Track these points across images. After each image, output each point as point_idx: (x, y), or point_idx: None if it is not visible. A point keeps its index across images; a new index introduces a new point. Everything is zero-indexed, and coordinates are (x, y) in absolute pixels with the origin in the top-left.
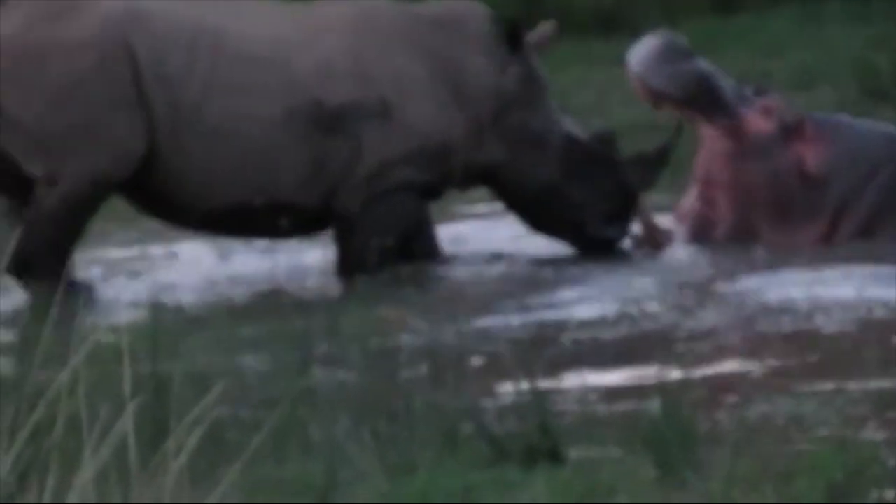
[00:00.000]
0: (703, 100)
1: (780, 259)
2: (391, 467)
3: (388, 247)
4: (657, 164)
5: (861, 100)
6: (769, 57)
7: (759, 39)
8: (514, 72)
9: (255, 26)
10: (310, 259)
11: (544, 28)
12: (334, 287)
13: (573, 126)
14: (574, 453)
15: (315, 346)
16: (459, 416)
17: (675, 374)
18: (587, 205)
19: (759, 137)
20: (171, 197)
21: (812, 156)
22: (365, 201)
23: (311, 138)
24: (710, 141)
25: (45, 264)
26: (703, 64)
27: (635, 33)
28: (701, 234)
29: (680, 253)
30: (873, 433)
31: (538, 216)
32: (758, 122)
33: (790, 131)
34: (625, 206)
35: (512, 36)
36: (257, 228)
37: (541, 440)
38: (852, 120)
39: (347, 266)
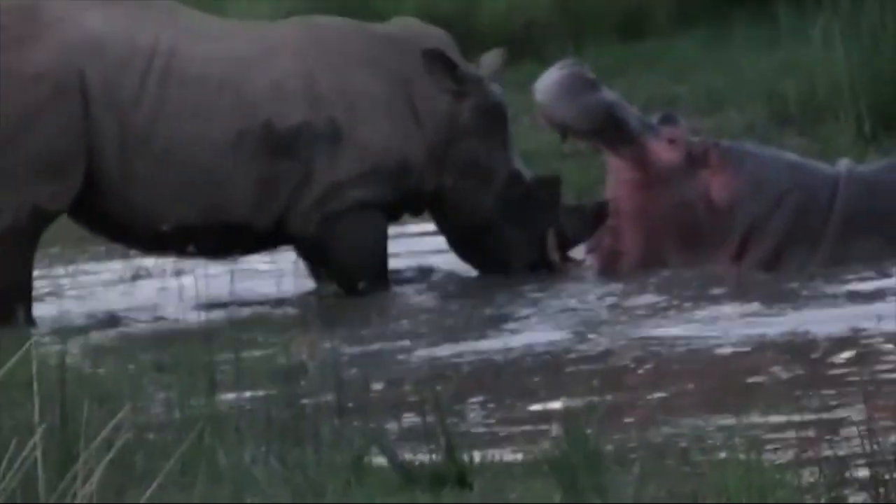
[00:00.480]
0: (609, 131)
1: (684, 290)
2: (299, 493)
3: (375, 270)
4: (595, 219)
5: (769, 125)
6: (677, 81)
7: (666, 64)
8: (470, 101)
9: (209, 47)
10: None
11: (494, 56)
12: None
13: (520, 165)
14: (481, 479)
15: (222, 371)
16: (367, 443)
17: (579, 398)
18: (516, 246)
19: (665, 167)
20: (122, 219)
21: (718, 184)
22: (319, 223)
23: (261, 160)
24: (616, 171)
25: None
26: (609, 94)
27: (543, 58)
28: (609, 266)
29: (589, 283)
30: (777, 456)
31: (467, 248)
32: (663, 152)
33: (696, 160)
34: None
35: (447, 65)
36: (210, 248)
37: (448, 466)
38: (758, 148)
39: (348, 290)
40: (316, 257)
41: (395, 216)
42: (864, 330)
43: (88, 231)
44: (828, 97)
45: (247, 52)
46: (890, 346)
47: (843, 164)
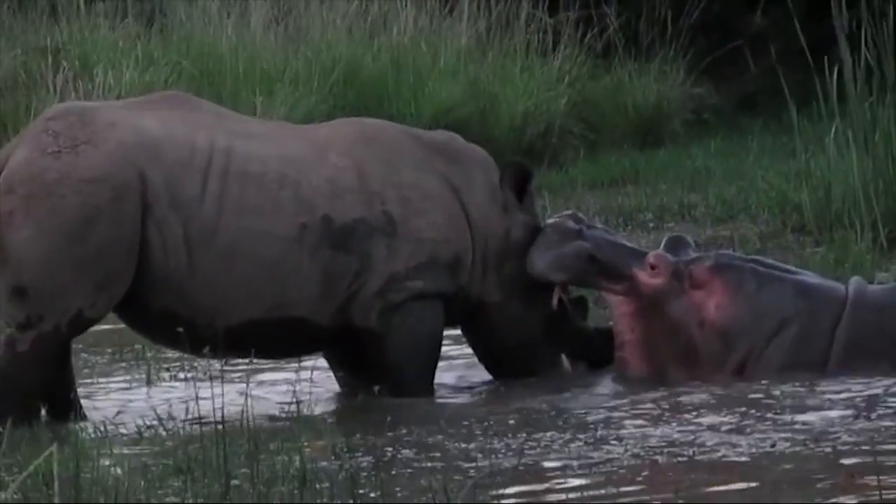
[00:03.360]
0: (593, 273)
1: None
2: None
3: (427, 363)
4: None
5: (783, 234)
6: (691, 190)
7: (681, 172)
8: (521, 218)
9: (263, 146)
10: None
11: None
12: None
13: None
14: None
15: (238, 476)
16: None
17: None
18: (544, 363)
19: (652, 293)
20: (183, 318)
21: (714, 305)
22: (380, 314)
23: (322, 254)
24: (613, 304)
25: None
26: (596, 234)
27: (560, 164)
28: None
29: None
30: None
31: (499, 363)
32: (647, 279)
33: (682, 280)
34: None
35: (520, 183)
36: (271, 347)
37: None
38: (763, 265)
39: (391, 386)
40: (372, 352)
41: (449, 313)
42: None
43: (140, 333)
44: (843, 206)
45: (298, 151)
46: None
47: (854, 283)
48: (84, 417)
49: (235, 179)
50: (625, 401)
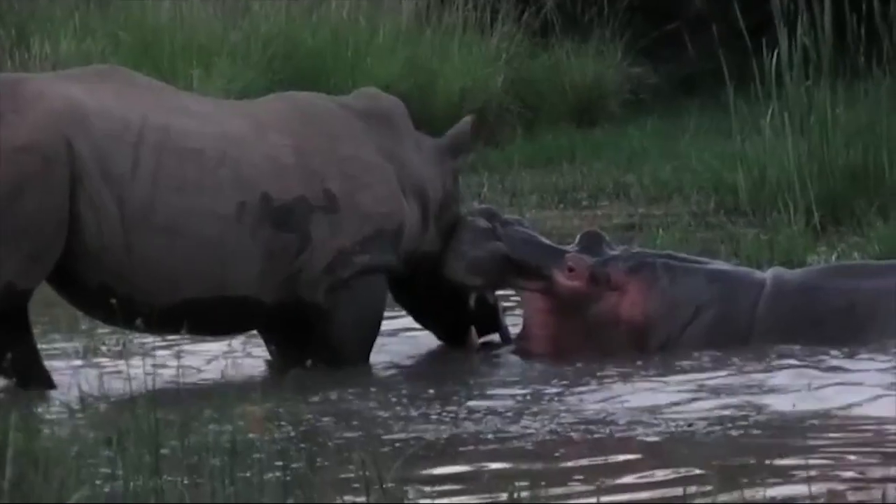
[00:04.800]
0: (508, 274)
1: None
2: None
3: (369, 336)
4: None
5: (717, 214)
6: (627, 169)
7: (617, 151)
8: (452, 168)
9: (200, 122)
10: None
11: (465, 122)
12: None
13: None
14: None
15: (168, 447)
16: None
17: (531, 476)
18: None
19: (570, 296)
20: (119, 295)
21: (627, 304)
22: (328, 290)
23: (262, 233)
24: (527, 300)
25: None
26: (510, 231)
27: (496, 142)
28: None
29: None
30: None
31: (436, 316)
32: (565, 282)
33: (600, 283)
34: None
35: (458, 137)
36: (213, 326)
37: None
38: (678, 261)
39: (330, 359)
40: (317, 326)
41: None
42: None
43: (77, 307)
44: (777, 189)
45: (236, 128)
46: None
47: (772, 271)
48: (53, 386)
49: (172, 156)
50: (548, 377)
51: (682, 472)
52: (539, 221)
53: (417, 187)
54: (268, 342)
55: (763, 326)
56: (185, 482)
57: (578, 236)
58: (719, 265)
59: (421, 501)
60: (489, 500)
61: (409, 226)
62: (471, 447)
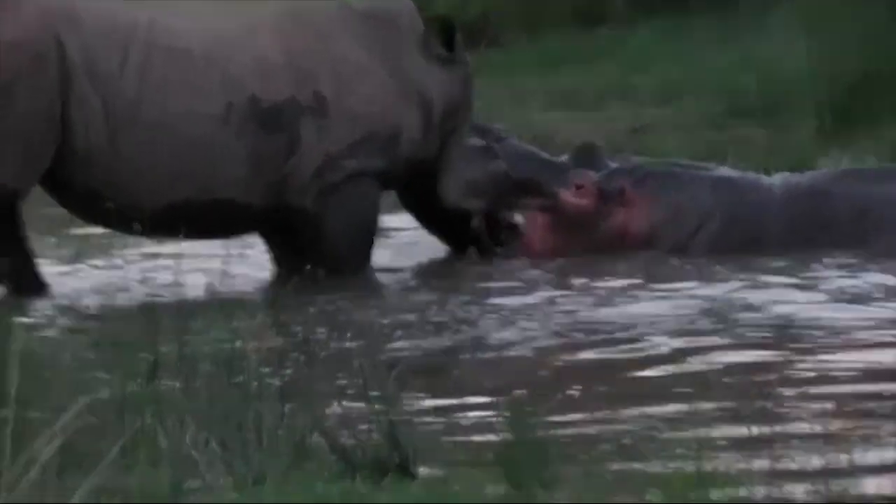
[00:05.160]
0: (508, 195)
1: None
2: (239, 478)
3: (364, 243)
4: None
5: (725, 117)
6: (633, 71)
7: (623, 53)
8: (459, 72)
9: (190, 21)
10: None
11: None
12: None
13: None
14: (424, 468)
15: (165, 353)
16: (309, 428)
17: (526, 391)
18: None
19: (576, 214)
20: (108, 198)
21: (635, 220)
22: (317, 196)
23: (249, 135)
24: (528, 218)
25: None
26: (507, 146)
27: (500, 45)
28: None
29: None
30: (725, 453)
31: (444, 223)
32: (573, 200)
33: (611, 200)
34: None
35: (447, 35)
36: (202, 229)
37: (390, 453)
38: (683, 170)
39: (327, 267)
40: (308, 232)
41: (388, 187)
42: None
43: (71, 212)
44: (788, 91)
45: (227, 29)
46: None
47: (780, 176)
48: (48, 295)
49: (160, 55)
50: (551, 285)
51: (687, 377)
52: (543, 124)
53: (420, 92)
54: (269, 248)
55: (772, 233)
56: (181, 387)
57: (575, 149)
58: (726, 171)
59: (420, 408)
60: (488, 411)
61: (409, 131)
62: (468, 355)
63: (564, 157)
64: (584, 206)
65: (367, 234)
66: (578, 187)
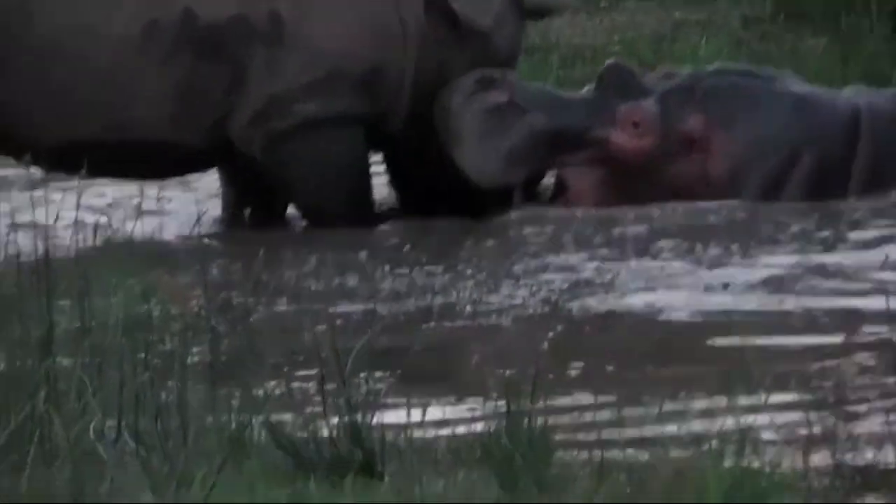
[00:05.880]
0: (553, 152)
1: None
2: (159, 480)
3: (347, 197)
4: None
5: (775, 20)
6: None
7: None
8: (469, 44)
9: None
10: None
11: None
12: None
13: None
14: (393, 467)
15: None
16: (248, 416)
17: (520, 369)
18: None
19: (637, 158)
20: (9, 132)
21: (715, 163)
22: (264, 144)
23: (179, 62)
24: (572, 181)
25: None
26: (528, 96)
27: None
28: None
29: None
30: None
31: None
32: (629, 141)
33: (678, 136)
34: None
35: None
36: (122, 169)
37: (351, 449)
38: (748, 86)
39: (307, 217)
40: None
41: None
42: None
43: None
44: None
45: None
46: None
47: (856, 94)
48: None
49: None
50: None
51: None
52: (558, 30)
53: (416, 49)
54: (223, 185)
55: (863, 169)
56: (85, 363)
57: (603, 71)
58: (797, 84)
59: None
60: (472, 397)
61: (399, 70)
62: (446, 322)
63: (587, 90)
64: (645, 146)
65: (350, 188)
66: (636, 125)
